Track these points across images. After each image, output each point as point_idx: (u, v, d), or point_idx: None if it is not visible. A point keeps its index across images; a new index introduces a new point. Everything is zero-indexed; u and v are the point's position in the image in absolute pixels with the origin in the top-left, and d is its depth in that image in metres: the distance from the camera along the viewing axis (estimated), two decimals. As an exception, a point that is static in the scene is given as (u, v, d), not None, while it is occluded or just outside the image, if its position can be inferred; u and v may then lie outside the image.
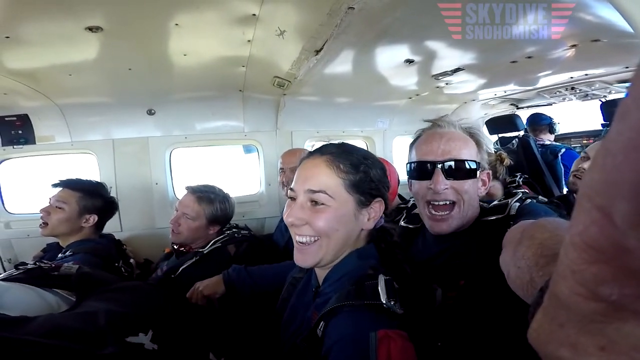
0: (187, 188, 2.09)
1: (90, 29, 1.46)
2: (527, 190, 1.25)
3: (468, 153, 1.17)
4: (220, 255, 1.94)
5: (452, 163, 1.16)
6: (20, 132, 2.53)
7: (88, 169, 2.73)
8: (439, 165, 1.16)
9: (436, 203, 1.18)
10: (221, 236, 2.05)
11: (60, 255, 1.93)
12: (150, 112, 2.73)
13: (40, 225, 1.99)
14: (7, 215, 2.66)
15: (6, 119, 2.48)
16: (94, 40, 1.58)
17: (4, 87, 2.10)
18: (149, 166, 2.80)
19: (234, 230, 2.18)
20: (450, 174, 1.16)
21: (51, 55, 1.75)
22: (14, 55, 1.72)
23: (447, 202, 1.17)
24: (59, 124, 2.57)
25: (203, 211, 2.00)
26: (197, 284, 1.64)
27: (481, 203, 1.27)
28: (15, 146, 2.56)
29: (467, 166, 1.16)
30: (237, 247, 2.06)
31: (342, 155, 1.01)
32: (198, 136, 2.96)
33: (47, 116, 2.52)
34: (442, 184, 1.15)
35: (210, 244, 1.97)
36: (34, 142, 2.57)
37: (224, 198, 2.11)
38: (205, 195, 2.04)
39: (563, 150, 3.47)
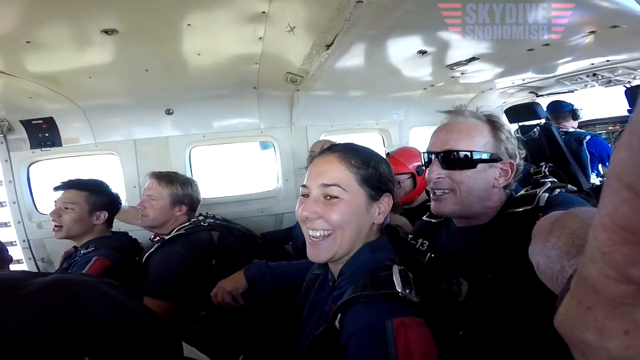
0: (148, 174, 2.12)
1: (106, 31, 1.51)
2: (555, 180, 1.20)
3: (472, 143, 1.17)
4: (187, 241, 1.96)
5: (448, 154, 1.18)
6: (47, 134, 2.64)
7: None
8: (436, 156, 1.20)
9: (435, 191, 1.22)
10: (187, 223, 2.04)
11: (79, 253, 1.96)
12: (169, 112, 2.80)
13: (54, 228, 1.98)
14: (39, 215, 2.77)
15: (33, 122, 2.58)
16: (110, 42, 1.63)
17: (29, 91, 2.19)
18: (169, 165, 2.84)
19: (200, 217, 2.18)
20: (446, 164, 1.19)
21: (70, 58, 1.81)
22: (36, 60, 1.79)
23: (445, 191, 1.20)
24: (82, 126, 2.67)
25: (166, 191, 2.03)
26: (220, 282, 1.63)
27: (509, 191, 1.24)
28: (43, 149, 2.67)
29: (463, 157, 1.17)
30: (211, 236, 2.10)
31: (352, 151, 1.05)
32: (216, 134, 3.02)
33: (71, 118, 2.62)
34: (435, 173, 1.19)
35: (174, 230, 1.98)
36: (60, 144, 2.68)
37: (185, 180, 2.14)
38: (166, 176, 2.07)
39: (588, 137, 3.35)
